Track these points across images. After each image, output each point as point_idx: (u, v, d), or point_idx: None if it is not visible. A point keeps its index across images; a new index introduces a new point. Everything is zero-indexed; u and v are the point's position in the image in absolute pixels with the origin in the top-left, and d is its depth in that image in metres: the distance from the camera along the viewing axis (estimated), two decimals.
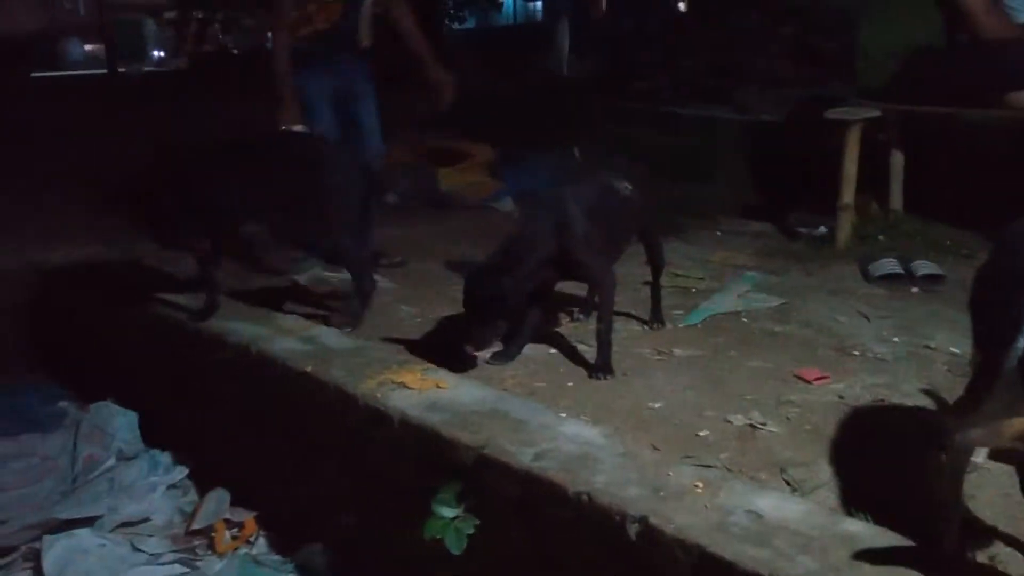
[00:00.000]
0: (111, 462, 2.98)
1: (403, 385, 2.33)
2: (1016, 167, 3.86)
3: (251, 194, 2.83)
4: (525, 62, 9.39)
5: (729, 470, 1.93)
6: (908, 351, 2.66)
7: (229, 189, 2.84)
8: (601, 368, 2.51)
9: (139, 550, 2.60)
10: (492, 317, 2.39)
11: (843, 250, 3.71)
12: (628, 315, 2.99)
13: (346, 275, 3.47)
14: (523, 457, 1.95)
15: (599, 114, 6.26)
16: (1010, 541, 1.68)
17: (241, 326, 2.85)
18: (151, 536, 2.66)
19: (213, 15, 17.78)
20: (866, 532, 1.58)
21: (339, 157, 2.98)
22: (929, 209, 3.90)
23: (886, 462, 2.01)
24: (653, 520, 1.68)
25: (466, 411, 2.19)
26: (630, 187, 2.67)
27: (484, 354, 2.46)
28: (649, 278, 2.99)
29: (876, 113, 3.73)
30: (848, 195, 3.70)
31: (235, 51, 17.83)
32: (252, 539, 2.60)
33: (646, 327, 2.94)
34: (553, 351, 2.72)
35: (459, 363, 2.45)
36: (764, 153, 4.99)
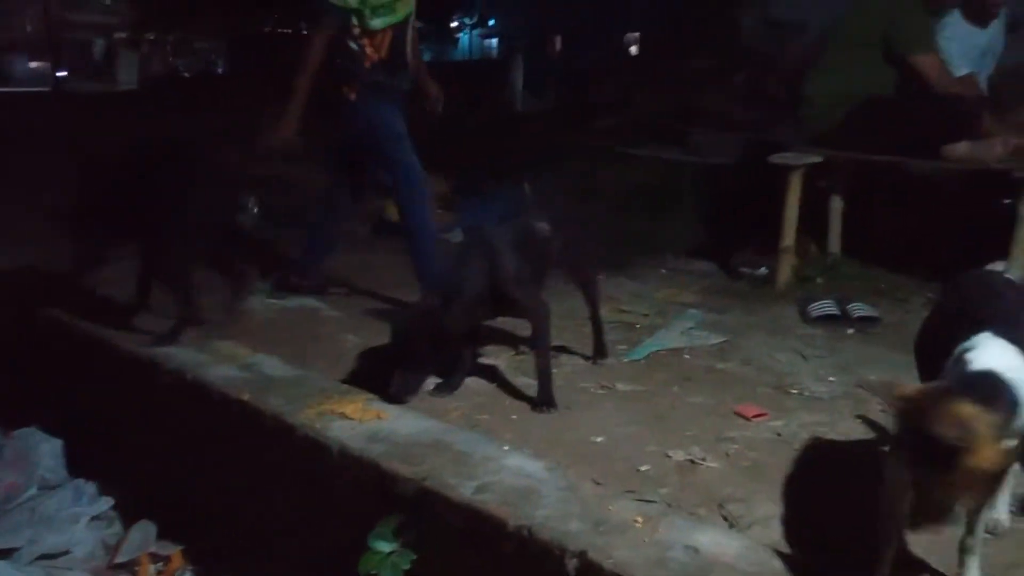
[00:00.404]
0: (33, 491, 2.86)
1: (343, 415, 2.29)
2: (951, 215, 4.03)
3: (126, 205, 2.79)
4: (480, 97, 9.48)
5: (669, 505, 1.94)
6: (844, 390, 2.71)
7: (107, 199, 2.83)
8: (544, 401, 2.51)
9: None
10: (421, 364, 2.40)
11: (783, 291, 3.79)
12: (571, 351, 3.00)
13: (288, 301, 3.43)
14: (464, 490, 1.93)
15: (551, 150, 6.34)
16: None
17: (178, 352, 2.77)
18: (70, 569, 2.55)
19: (165, 37, 17.59)
20: (800, 569, 1.59)
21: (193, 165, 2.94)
22: (867, 253, 4.02)
23: (822, 498, 2.04)
24: (592, 555, 1.67)
25: (408, 443, 2.16)
26: (548, 227, 2.71)
27: (427, 385, 2.44)
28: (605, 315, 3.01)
29: (818, 159, 3.85)
30: (789, 238, 3.80)
31: (186, 74, 17.64)
32: (178, 574, 2.51)
33: (590, 361, 2.94)
34: (497, 384, 2.71)
35: (391, 399, 2.41)
36: (712, 195, 5.11)
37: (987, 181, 3.78)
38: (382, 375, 2.60)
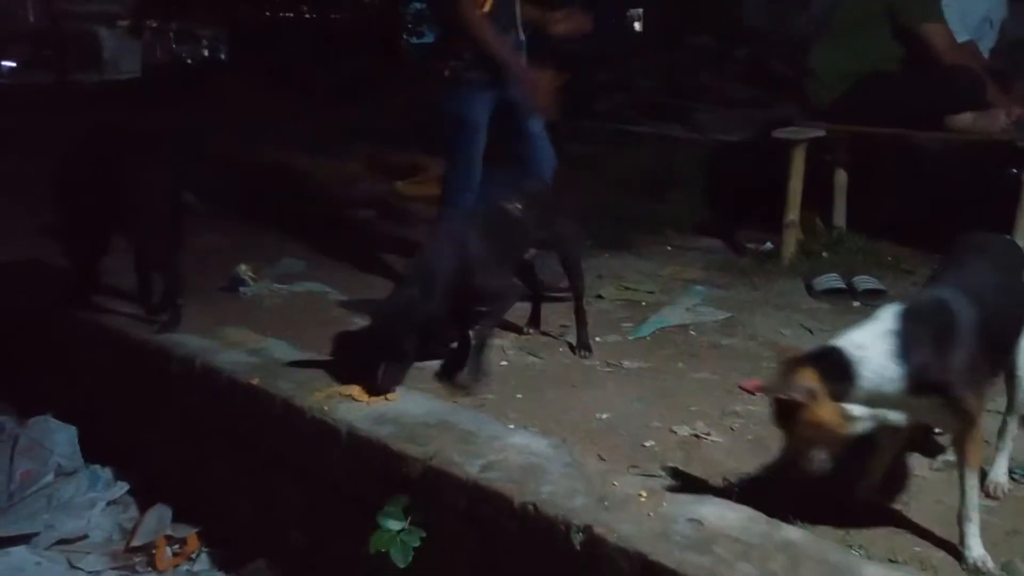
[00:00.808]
0: (49, 478, 2.90)
1: (351, 397, 2.31)
2: (956, 187, 4.01)
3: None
4: None
5: (673, 479, 1.96)
6: None
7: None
8: (474, 370, 2.49)
9: (77, 568, 2.53)
10: (404, 353, 2.35)
11: (788, 266, 3.78)
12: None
13: (295, 287, 3.45)
14: (471, 468, 1.96)
15: (551, 130, 6.32)
16: (944, 545, 1.74)
17: (187, 339, 2.80)
18: (89, 553, 2.59)
19: (167, 25, 17.54)
20: (804, 539, 1.62)
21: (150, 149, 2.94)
22: (872, 227, 4.01)
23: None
24: (597, 529, 1.70)
25: (414, 423, 2.19)
26: (520, 207, 2.67)
27: (432, 367, 2.44)
28: (601, 292, 2.99)
29: (821, 133, 3.84)
30: (793, 212, 3.79)
31: (189, 61, 17.61)
32: (194, 556, 2.55)
33: (582, 352, 2.84)
34: (504, 363, 2.73)
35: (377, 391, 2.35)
36: (717, 172, 5.09)
37: (992, 152, 3.76)
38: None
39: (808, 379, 1.58)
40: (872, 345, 1.63)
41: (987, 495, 1.98)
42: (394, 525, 1.98)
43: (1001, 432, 2.01)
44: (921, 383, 1.63)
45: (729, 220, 4.49)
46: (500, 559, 1.91)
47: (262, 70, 10.42)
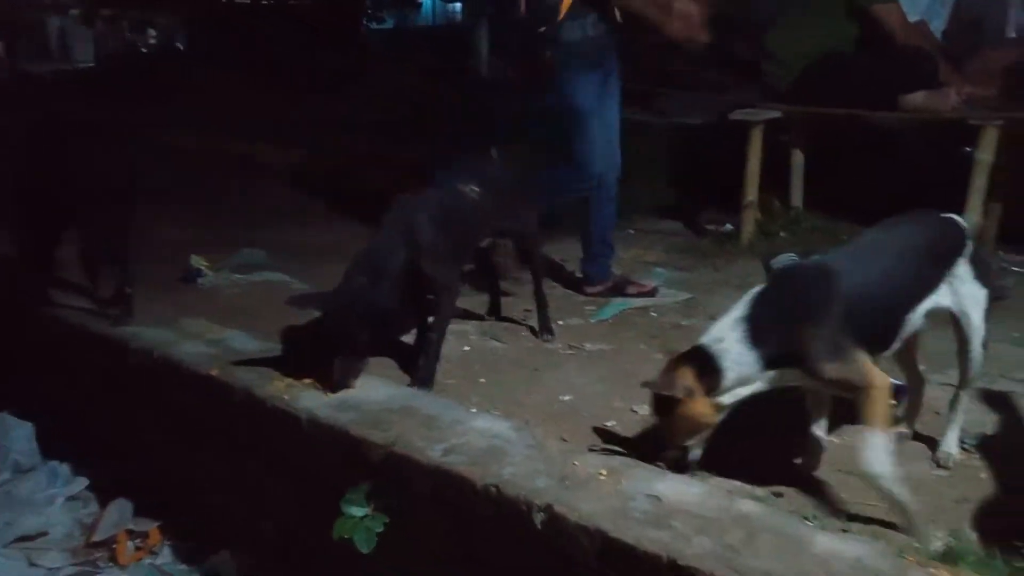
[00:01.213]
0: (7, 475, 2.85)
1: (312, 386, 2.30)
2: (911, 165, 4.08)
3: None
4: (446, 64, 9.38)
5: (633, 457, 1.98)
6: None
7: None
8: (423, 379, 2.39)
9: (36, 565, 2.49)
10: (358, 345, 2.26)
11: (747, 246, 3.84)
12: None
13: (255, 277, 3.42)
14: (433, 453, 1.96)
15: (518, 116, 6.31)
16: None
17: (144, 331, 2.76)
18: (49, 550, 2.56)
19: (121, 13, 17.14)
20: (760, 511, 1.65)
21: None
22: (830, 206, 4.08)
23: (784, 446, 2.09)
24: (558, 508, 1.71)
25: (377, 409, 2.18)
26: (477, 190, 2.61)
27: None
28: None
29: (777, 114, 3.88)
30: (752, 193, 3.84)
31: (144, 49, 17.23)
32: (157, 549, 2.53)
33: (544, 335, 2.85)
34: (466, 348, 2.74)
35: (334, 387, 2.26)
36: (678, 155, 5.12)
37: (945, 130, 3.83)
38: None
39: (685, 378, 1.78)
40: (727, 336, 1.80)
41: (938, 465, 2.04)
42: (357, 511, 1.97)
43: (952, 404, 2.07)
44: (774, 361, 1.78)
45: (690, 203, 4.54)
46: (464, 541, 1.92)
47: (221, 59, 10.23)
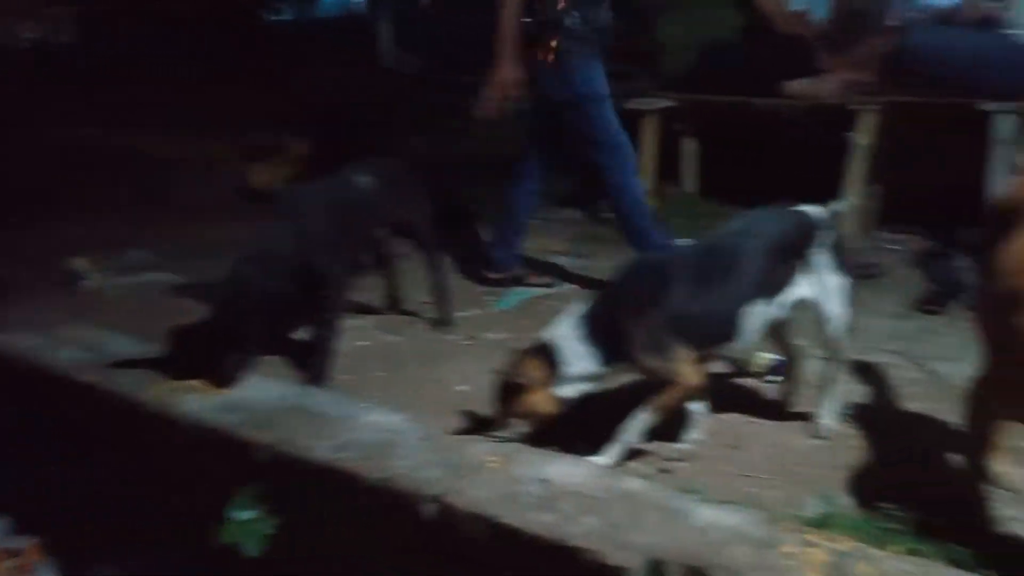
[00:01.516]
0: None
1: (198, 387, 2.21)
2: (797, 151, 4.24)
3: None
4: (348, 56, 9.22)
5: (524, 443, 1.99)
6: None
7: None
8: (316, 377, 2.35)
9: None
10: (245, 340, 2.17)
11: None
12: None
13: (140, 278, 3.29)
14: (322, 451, 1.92)
15: (421, 109, 6.26)
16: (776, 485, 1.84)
17: (17, 338, 2.60)
18: None
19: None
20: (644, 488, 1.68)
21: None
22: (722, 192, 4.20)
23: (670, 423, 2.14)
24: (449, 498, 1.70)
25: (265, 409, 2.11)
26: (369, 180, 2.58)
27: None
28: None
29: (669, 103, 3.97)
30: (646, 181, 3.91)
31: (27, 45, 16.31)
32: (36, 567, 2.39)
33: (443, 328, 2.84)
34: (363, 343, 2.70)
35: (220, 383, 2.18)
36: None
37: (828, 116, 3.99)
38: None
39: (529, 369, 1.91)
40: (568, 333, 1.92)
41: (815, 436, 2.12)
42: (244, 515, 1.92)
43: (825, 379, 2.15)
44: (611, 357, 1.90)
45: (590, 192, 4.59)
46: (358, 536, 1.89)
47: (112, 51, 9.78)
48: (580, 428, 2.03)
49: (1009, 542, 1.74)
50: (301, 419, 2.05)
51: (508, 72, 2.99)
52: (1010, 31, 3.63)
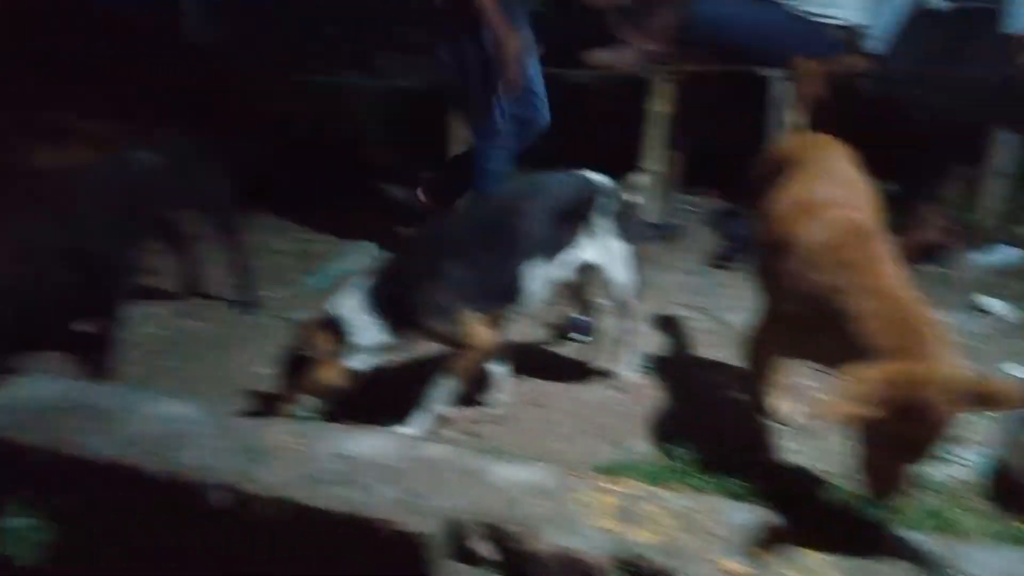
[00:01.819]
0: None
1: None
2: (602, 120, 4.38)
3: None
4: (146, 28, 8.55)
5: (328, 420, 1.94)
6: None
7: None
8: (100, 370, 2.23)
9: None
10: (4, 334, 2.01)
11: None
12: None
13: None
14: (107, 448, 1.78)
15: (224, 84, 5.92)
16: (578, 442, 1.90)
17: None
18: None
19: None
20: (444, 453, 1.69)
21: None
22: (538, 163, 4.25)
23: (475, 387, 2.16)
24: (244, 485, 1.63)
25: (43, 408, 1.93)
26: (150, 158, 2.42)
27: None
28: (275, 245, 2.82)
29: None
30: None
31: None
32: None
33: (247, 311, 2.72)
34: (156, 330, 2.53)
35: None
36: (397, 119, 5.09)
37: (628, 85, 4.15)
38: None
39: (316, 341, 1.89)
40: (353, 304, 1.91)
41: (616, 389, 2.22)
42: (17, 523, 1.75)
43: (621, 336, 2.25)
44: (398, 326, 1.92)
45: (411, 168, 4.53)
46: (149, 534, 1.77)
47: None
48: (388, 401, 2.01)
49: (786, 472, 1.90)
50: (83, 416, 1.89)
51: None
52: (787, 2, 3.90)
